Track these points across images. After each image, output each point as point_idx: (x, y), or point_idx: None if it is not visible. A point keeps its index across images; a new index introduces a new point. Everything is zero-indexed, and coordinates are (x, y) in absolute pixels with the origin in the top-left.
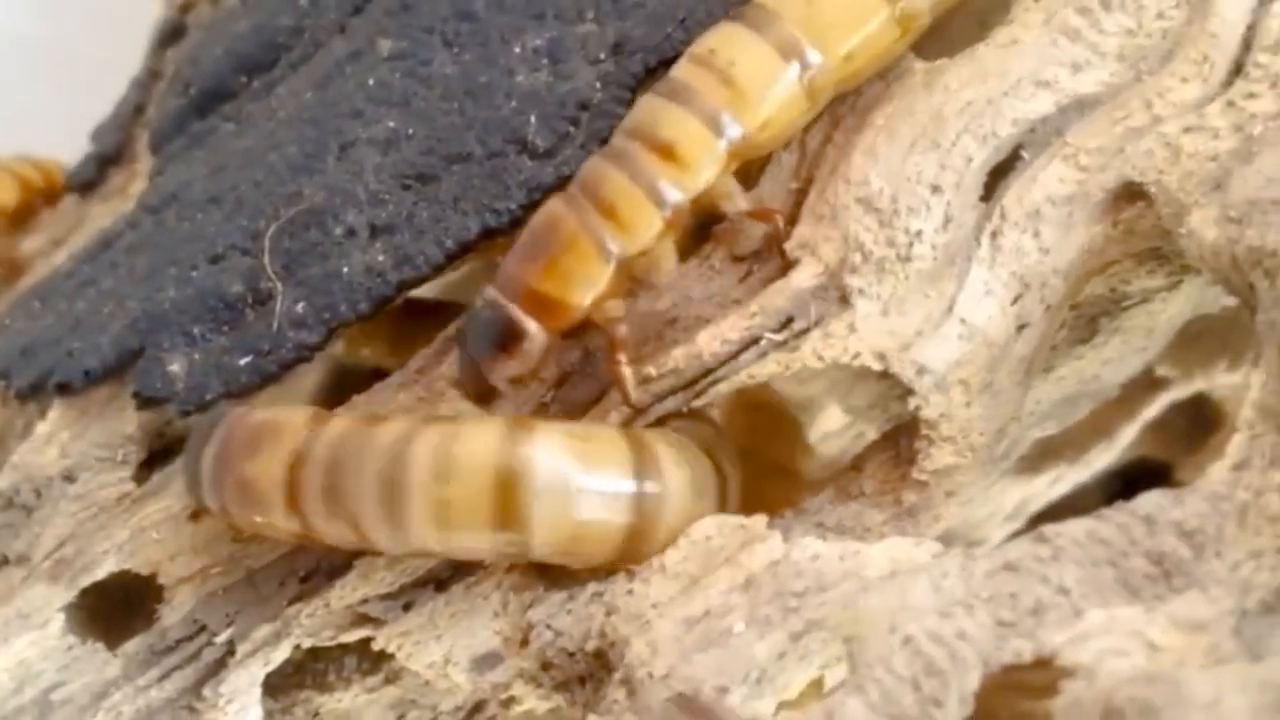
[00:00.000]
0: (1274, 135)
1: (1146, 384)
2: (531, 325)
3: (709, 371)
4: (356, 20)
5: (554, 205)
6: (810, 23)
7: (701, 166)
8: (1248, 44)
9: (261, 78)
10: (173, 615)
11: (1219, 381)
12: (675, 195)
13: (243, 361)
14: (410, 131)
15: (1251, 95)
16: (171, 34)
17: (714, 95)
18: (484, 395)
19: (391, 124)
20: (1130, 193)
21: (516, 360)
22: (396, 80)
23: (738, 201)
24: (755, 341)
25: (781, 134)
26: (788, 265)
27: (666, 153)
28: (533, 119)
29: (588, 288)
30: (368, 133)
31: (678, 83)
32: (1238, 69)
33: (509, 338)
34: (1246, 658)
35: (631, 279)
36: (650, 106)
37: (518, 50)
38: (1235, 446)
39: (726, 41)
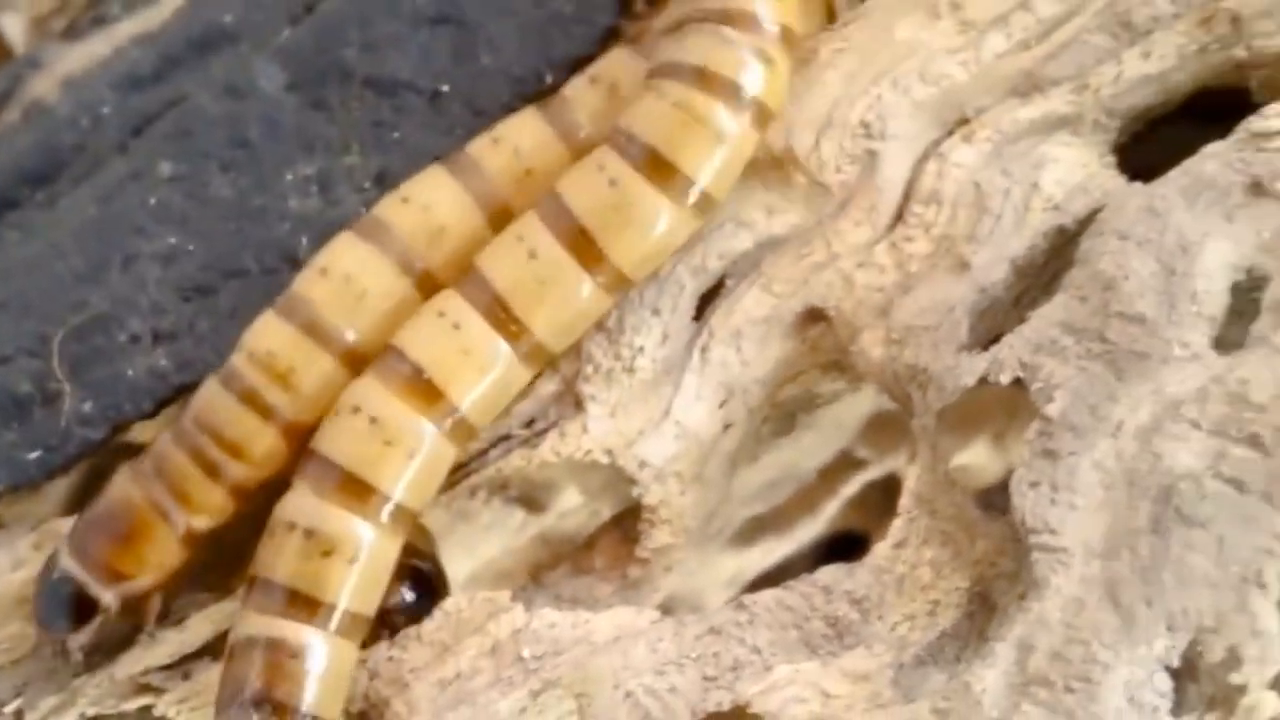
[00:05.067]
0: (926, 272)
1: (845, 465)
2: (106, 595)
3: (462, 466)
4: (137, 141)
5: (126, 483)
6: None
7: (270, 465)
8: (907, 196)
9: (45, 190)
10: None
11: (906, 464)
12: (242, 481)
13: (31, 456)
14: (190, 248)
15: (909, 239)
16: None
17: (277, 401)
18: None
19: (172, 240)
20: (814, 315)
21: (92, 629)
22: (177, 200)
23: None
24: (504, 439)
25: None
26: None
27: (235, 451)
28: (304, 240)
29: (160, 569)
30: (150, 247)
31: (246, 386)
32: (899, 216)
33: (83, 611)
34: (902, 702)
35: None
36: (219, 404)
37: (290, 177)
38: (895, 528)
39: (291, 350)
